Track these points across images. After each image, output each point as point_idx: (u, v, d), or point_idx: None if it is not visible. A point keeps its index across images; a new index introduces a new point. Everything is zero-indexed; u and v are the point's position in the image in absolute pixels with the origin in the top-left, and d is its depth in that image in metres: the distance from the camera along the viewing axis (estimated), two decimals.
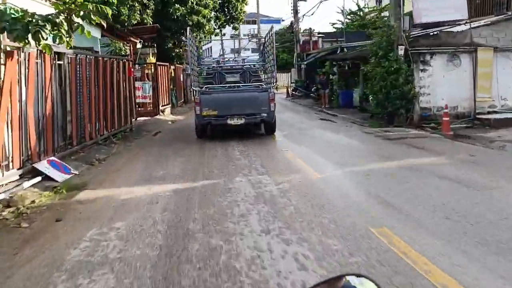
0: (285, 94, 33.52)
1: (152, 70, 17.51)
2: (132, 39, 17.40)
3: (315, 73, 28.60)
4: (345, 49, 22.99)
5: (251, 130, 12.50)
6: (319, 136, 11.69)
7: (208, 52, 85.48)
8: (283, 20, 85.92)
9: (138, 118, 16.00)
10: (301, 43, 31.37)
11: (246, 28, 63.77)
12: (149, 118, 16.68)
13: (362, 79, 18.10)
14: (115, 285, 3.39)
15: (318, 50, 29.63)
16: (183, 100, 25.63)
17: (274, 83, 12.01)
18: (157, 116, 17.23)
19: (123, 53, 17.54)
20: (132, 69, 12.76)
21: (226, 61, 14.09)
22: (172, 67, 23.54)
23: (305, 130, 12.80)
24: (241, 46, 65.32)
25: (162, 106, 18.27)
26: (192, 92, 32.62)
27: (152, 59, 18.66)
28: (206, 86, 11.48)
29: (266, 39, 13.40)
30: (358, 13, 35.50)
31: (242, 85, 11.62)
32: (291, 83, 32.71)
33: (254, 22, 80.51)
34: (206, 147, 10.29)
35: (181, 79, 25.40)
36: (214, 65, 13.19)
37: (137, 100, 17.11)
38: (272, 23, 50.11)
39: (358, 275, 1.22)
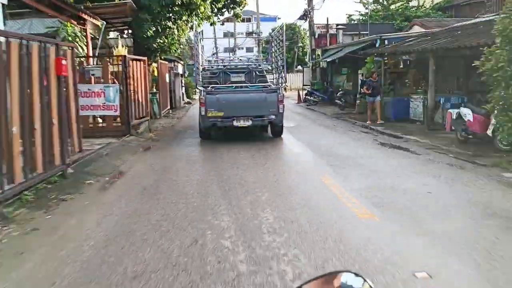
0: (295, 98, 27.66)
1: (120, 67, 11.52)
2: (87, 17, 11.41)
3: (341, 73, 22.83)
4: (386, 41, 17.27)
5: (257, 133, 11.88)
6: (436, 201, 5.74)
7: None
8: (279, 18, 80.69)
9: (96, 142, 10.06)
10: (316, 36, 25.56)
11: (240, 26, 58.26)
12: (115, 140, 10.71)
13: (433, 81, 12.31)
14: None
15: (338, 45, 23.84)
16: (169, 107, 19.60)
17: (283, 84, 11.37)
18: (128, 137, 11.25)
19: (78, 41, 11.59)
20: (64, 62, 6.77)
21: (231, 60, 13.98)
22: (155, 64, 17.54)
23: (385, 179, 6.83)
24: (237, 44, 59.73)
25: (136, 119, 12.31)
26: (182, 97, 26.76)
27: (122, 51, 12.68)
28: (212, 86, 10.90)
29: (273, 38, 12.96)
30: (382, 2, 29.87)
31: (250, 85, 11.22)
32: (304, 85, 26.85)
33: (248, 20, 75.39)
34: (208, 238, 4.35)
35: (167, 80, 19.38)
36: (219, 64, 13.22)
37: (95, 113, 11.17)
38: (268, 21, 43.16)
39: (356, 274, 1.13)
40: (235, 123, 10.38)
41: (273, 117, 10.47)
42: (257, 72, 12.05)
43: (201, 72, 11.71)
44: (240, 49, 64.03)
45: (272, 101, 10.40)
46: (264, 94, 10.61)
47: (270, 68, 13.34)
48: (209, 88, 10.71)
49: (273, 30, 54.98)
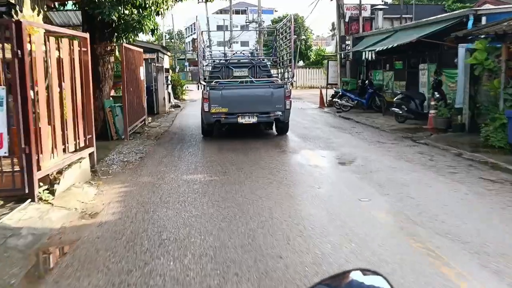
0: (314, 101, 21.41)
1: (10, 48, 5.06)
2: None
3: (385, 68, 16.50)
4: (484, 19, 11.04)
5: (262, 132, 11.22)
6: None
7: (189, 46, 72.68)
8: (276, 11, 74.29)
9: None
10: (346, 20, 19.19)
11: (235, 19, 51.89)
12: None
13: None
14: None
15: (381, 30, 17.59)
16: (145, 116, 13.10)
17: (291, 79, 10.78)
18: (24, 209, 4.83)
19: None
20: None
21: (233, 54, 13.92)
22: (116, 51, 11.10)
23: None
24: (233, 36, 53.96)
25: (57, 160, 5.88)
26: (168, 98, 20.33)
27: (31, 16, 6.20)
28: (216, 80, 10.55)
29: (279, 30, 12.52)
30: None
31: (255, 80, 10.77)
32: (329, 84, 20.49)
33: (244, 12, 69.23)
34: None
35: (142, 76, 12.86)
36: (220, 58, 13.26)
37: None
38: (264, 13, 37.27)
39: (366, 270, 1.11)
40: (239, 120, 10.02)
41: (280, 113, 10.09)
42: (260, 67, 11.58)
43: (203, 66, 11.36)
44: (236, 43, 57.87)
45: (279, 96, 10.05)
46: (271, 89, 10.26)
47: (273, 62, 12.99)
48: (213, 83, 10.29)
49: (273, 22, 48.93)
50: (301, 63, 48.02)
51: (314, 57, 50.72)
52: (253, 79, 10.84)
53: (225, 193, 5.85)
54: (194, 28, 77.39)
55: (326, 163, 7.98)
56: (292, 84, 11.15)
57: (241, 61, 12.11)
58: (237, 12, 63.96)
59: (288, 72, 11.04)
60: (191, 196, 5.77)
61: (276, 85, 10.45)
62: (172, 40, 71.46)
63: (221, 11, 70.77)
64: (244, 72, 11.32)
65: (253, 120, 10.04)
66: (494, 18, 10.59)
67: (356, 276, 1.09)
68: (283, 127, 10.80)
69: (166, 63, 24.28)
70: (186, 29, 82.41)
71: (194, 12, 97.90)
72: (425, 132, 11.35)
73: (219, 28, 60.62)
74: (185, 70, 61.70)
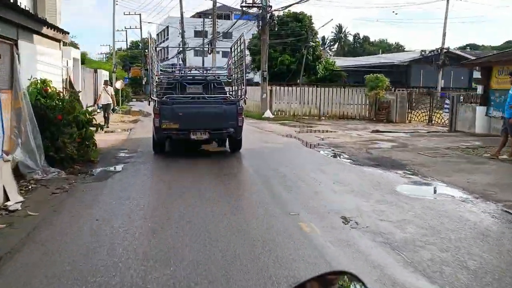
0: (426, 166, 8.80)
1: None
2: None
3: None
4: None
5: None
6: None
7: (164, 53, 60.15)
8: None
9: None
10: None
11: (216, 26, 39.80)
12: None
13: None
14: None
15: None
16: None
17: (243, 96, 10.89)
18: None
19: None
20: None
21: (188, 70, 14.03)
22: None
23: None
24: (217, 38, 42.49)
25: None
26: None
27: None
28: (167, 96, 10.45)
29: (233, 48, 12.51)
30: None
31: (208, 97, 10.81)
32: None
33: (227, 17, 56.98)
34: None
35: None
36: (175, 73, 13.60)
37: None
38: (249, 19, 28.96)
39: (344, 273, 1.17)
40: (191, 136, 9.88)
41: (232, 130, 10.05)
42: (215, 84, 11.47)
43: (156, 82, 11.36)
44: (217, 53, 44.20)
45: (231, 113, 10.07)
46: (223, 106, 10.31)
47: (230, 79, 12.81)
48: (163, 98, 10.18)
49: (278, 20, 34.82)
50: (306, 78, 33.90)
51: (322, 72, 35.80)
52: (205, 95, 10.80)
53: None
54: (167, 34, 64.57)
55: None
56: (245, 101, 10.90)
57: (196, 77, 12.06)
58: (219, 17, 51.24)
59: (241, 90, 11.09)
60: None
61: (229, 102, 10.53)
62: (143, 49, 57.61)
63: (199, 15, 59.05)
64: (198, 89, 11.16)
65: (205, 136, 10.05)
66: None
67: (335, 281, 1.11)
68: (236, 144, 10.75)
69: (56, 63, 9.15)
70: (157, 35, 70.14)
71: (171, 13, 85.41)
72: None
73: (197, 34, 50.34)
74: (162, 82, 48.20)
